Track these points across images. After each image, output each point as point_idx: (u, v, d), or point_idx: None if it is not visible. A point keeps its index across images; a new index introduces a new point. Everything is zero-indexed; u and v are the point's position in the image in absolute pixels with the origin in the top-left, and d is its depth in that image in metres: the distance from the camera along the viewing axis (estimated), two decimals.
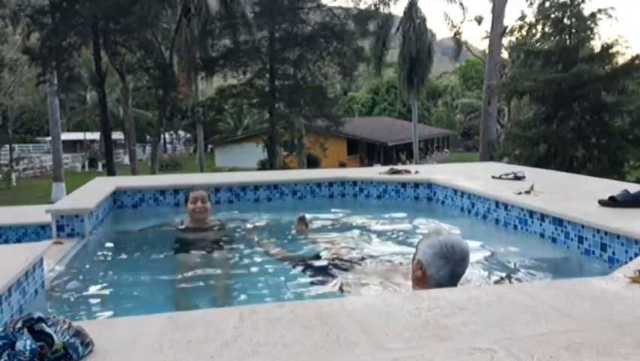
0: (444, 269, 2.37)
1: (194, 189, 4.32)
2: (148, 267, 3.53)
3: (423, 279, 2.41)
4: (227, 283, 3.20)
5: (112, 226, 4.66)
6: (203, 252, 3.82)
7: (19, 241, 4.13)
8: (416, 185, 5.37)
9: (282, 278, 3.10)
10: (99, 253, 3.76)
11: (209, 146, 38.72)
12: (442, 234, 2.50)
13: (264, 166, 26.10)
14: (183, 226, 4.25)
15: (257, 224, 4.60)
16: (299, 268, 3.17)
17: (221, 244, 3.99)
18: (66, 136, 37.02)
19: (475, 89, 48.89)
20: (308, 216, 4.64)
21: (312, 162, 26.05)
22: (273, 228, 4.51)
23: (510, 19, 69.52)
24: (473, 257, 3.37)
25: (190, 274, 3.29)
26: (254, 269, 3.36)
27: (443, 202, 5.13)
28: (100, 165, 33.99)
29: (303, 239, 4.04)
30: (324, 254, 3.46)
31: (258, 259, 3.55)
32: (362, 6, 23.45)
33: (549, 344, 1.50)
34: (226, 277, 3.31)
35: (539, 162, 14.68)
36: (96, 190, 4.90)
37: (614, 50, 16.24)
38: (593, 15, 16.40)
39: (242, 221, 4.59)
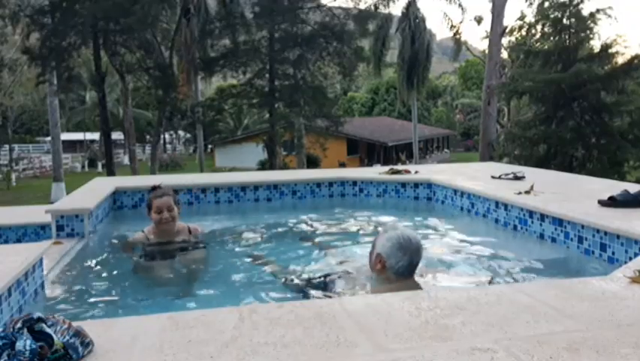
0: (403, 259, 2.59)
1: (157, 193, 3.76)
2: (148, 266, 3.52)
3: (382, 271, 2.63)
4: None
5: (111, 227, 4.65)
6: (167, 270, 3.46)
7: (18, 241, 4.13)
8: (416, 185, 5.37)
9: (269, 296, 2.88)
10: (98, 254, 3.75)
11: (209, 146, 38.71)
12: (397, 228, 2.74)
13: (263, 166, 26.10)
14: (147, 241, 3.75)
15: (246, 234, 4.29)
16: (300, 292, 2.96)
17: (190, 256, 3.61)
18: (66, 136, 37.02)
19: (474, 89, 48.89)
20: (307, 215, 4.66)
21: (312, 162, 26.04)
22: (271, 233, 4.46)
23: (510, 19, 69.57)
24: (474, 257, 3.38)
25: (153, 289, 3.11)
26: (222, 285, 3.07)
27: (443, 202, 5.13)
28: (100, 165, 33.97)
29: (300, 247, 3.98)
30: (322, 270, 3.34)
31: (236, 274, 3.24)
32: (362, 6, 23.47)
33: (549, 344, 1.50)
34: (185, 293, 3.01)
35: (539, 162, 14.67)
36: (96, 190, 4.90)
37: (614, 49, 16.24)
38: (592, 15, 16.39)
39: (228, 233, 4.22)
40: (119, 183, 5.36)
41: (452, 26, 28.60)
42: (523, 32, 25.08)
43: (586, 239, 3.22)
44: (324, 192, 5.62)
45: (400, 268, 2.60)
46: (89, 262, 3.49)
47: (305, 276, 3.08)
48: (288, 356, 1.46)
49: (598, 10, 16.49)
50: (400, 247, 2.60)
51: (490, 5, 21.86)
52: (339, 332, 1.61)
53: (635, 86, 16.81)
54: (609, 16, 16.79)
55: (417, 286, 2.61)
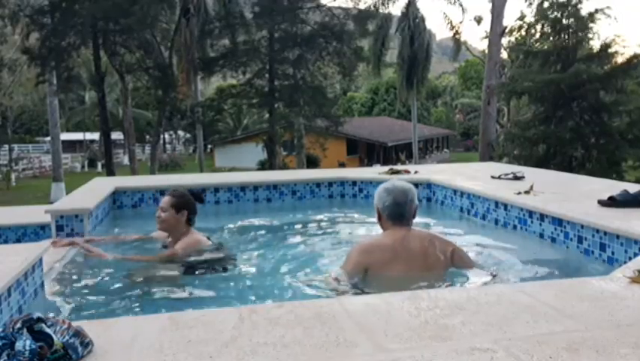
0: (388, 199, 2.92)
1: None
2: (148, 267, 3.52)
3: (381, 220, 2.96)
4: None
5: (111, 227, 4.65)
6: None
7: (18, 241, 4.13)
8: (415, 185, 5.31)
9: None
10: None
11: (209, 146, 38.70)
12: (387, 183, 3.05)
13: (263, 166, 26.10)
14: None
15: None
16: None
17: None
18: (65, 136, 36.99)
19: (474, 89, 48.87)
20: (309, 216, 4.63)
21: (312, 162, 26.03)
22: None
23: (510, 19, 69.51)
24: (473, 257, 3.37)
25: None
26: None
27: (443, 202, 5.13)
28: (99, 165, 33.94)
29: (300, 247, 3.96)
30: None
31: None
32: (362, 6, 23.48)
33: (549, 344, 1.50)
34: None
35: (539, 162, 14.67)
36: (95, 190, 4.90)
37: (613, 49, 16.23)
38: (591, 15, 16.38)
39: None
40: (119, 183, 5.36)
41: (452, 26, 28.60)
42: (523, 32, 25.06)
43: (585, 239, 3.22)
44: (323, 193, 5.62)
45: (387, 208, 2.90)
46: (89, 262, 3.49)
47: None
48: (288, 356, 1.47)
49: (597, 10, 16.48)
50: (385, 191, 2.95)
51: (489, 5, 21.86)
52: (339, 332, 1.61)
53: (635, 86, 16.81)
54: (608, 16, 16.79)
55: (408, 232, 2.87)
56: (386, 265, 2.73)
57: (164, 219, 3.54)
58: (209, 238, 3.62)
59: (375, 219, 3.07)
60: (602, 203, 3.49)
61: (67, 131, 43.09)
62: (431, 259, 2.79)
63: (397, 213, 2.89)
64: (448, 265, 2.82)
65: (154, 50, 19.31)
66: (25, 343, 1.36)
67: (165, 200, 3.58)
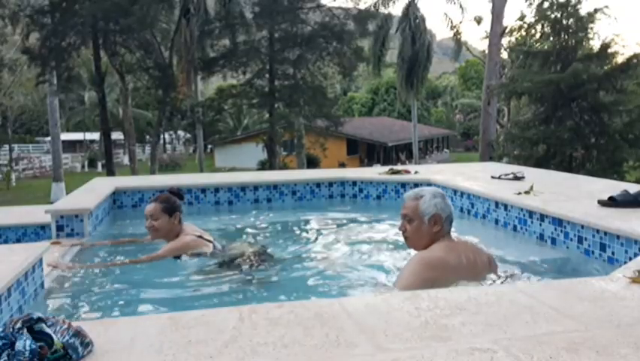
0: (450, 207, 2.82)
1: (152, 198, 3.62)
2: (147, 267, 3.52)
3: (439, 230, 2.75)
4: None
5: (111, 227, 4.65)
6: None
7: (18, 241, 4.13)
8: (416, 185, 5.36)
9: None
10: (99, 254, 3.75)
11: (209, 146, 38.70)
12: (425, 189, 2.94)
13: (263, 166, 26.09)
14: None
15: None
16: None
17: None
18: (65, 136, 36.98)
19: (474, 89, 48.87)
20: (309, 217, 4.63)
21: (312, 162, 26.03)
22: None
23: (509, 20, 69.45)
24: None
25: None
26: None
27: None
28: (99, 165, 33.94)
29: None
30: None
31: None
32: (361, 6, 23.47)
33: (549, 345, 1.50)
34: None
35: (538, 162, 14.67)
36: (96, 190, 4.90)
37: (612, 49, 16.22)
38: (590, 15, 16.37)
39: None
40: (119, 183, 5.36)
41: (452, 26, 28.59)
42: (523, 33, 25.03)
43: (586, 239, 3.22)
44: (323, 193, 5.63)
45: (451, 215, 2.80)
46: (89, 262, 3.49)
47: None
48: (288, 356, 1.47)
49: (596, 10, 16.47)
50: (443, 198, 2.82)
51: (489, 5, 21.87)
52: (339, 333, 1.61)
53: (635, 87, 16.79)
54: (608, 16, 16.78)
55: (457, 242, 2.85)
56: (449, 278, 2.62)
57: (159, 227, 3.49)
58: (212, 241, 3.55)
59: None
60: (602, 203, 3.49)
61: (67, 131, 43.07)
62: (480, 266, 2.78)
63: (452, 221, 2.83)
64: (489, 272, 2.82)
65: (154, 50, 19.30)
66: (25, 343, 1.36)
67: (154, 208, 3.49)
